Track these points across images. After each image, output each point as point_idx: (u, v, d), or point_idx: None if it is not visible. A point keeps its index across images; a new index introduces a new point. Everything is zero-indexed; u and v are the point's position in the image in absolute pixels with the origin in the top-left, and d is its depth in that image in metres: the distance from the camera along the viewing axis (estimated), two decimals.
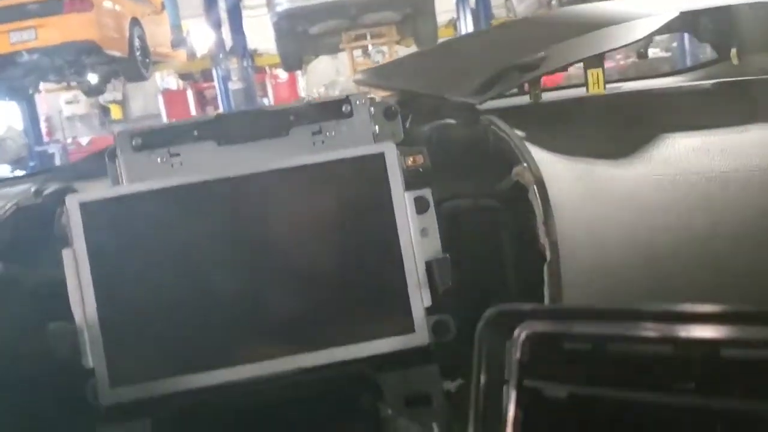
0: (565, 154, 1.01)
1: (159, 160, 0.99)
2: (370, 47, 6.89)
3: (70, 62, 6.56)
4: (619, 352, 0.50)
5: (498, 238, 1.04)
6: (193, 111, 9.38)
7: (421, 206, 0.94)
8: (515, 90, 1.55)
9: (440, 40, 5.85)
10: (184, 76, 10.14)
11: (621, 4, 1.31)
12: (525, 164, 0.95)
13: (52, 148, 8.01)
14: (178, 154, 1.00)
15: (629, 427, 0.50)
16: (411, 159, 0.97)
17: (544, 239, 0.87)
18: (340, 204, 0.95)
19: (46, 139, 8.63)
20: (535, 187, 0.91)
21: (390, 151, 0.94)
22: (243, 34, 6.83)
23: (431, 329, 0.92)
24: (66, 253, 0.91)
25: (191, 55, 9.03)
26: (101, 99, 9.36)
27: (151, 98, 9.78)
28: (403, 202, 0.93)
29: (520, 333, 0.53)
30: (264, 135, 1.01)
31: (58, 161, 7.86)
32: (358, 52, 7.06)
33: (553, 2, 6.25)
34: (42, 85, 7.76)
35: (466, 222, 1.04)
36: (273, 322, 0.92)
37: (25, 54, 6.17)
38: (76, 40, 6.15)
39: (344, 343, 0.91)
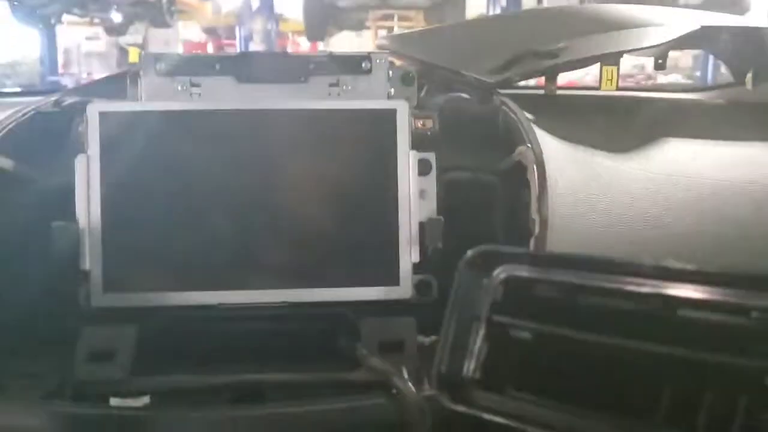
0: (569, 141, 1.05)
1: (179, 87, 1.02)
2: (395, 29, 6.87)
3: None
4: (590, 302, 0.53)
5: (492, 212, 1.08)
6: None
7: (423, 168, 0.98)
8: (531, 83, 1.57)
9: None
10: (206, 30, 10.09)
11: (648, 10, 1.33)
12: (529, 144, 0.99)
13: (65, 80, 7.98)
14: (198, 85, 1.03)
15: (588, 367, 0.54)
16: (421, 122, 1.00)
17: (535, 215, 0.91)
18: (346, 153, 0.98)
19: (61, 71, 8.62)
20: (534, 166, 0.95)
21: (402, 109, 0.97)
22: None
23: (415, 286, 0.95)
24: (79, 159, 0.94)
25: (217, 10, 8.98)
26: (121, 40, 9.31)
27: (171, 47, 9.71)
28: (407, 160, 0.97)
29: (498, 275, 0.57)
30: (283, 78, 1.04)
31: None
32: (382, 33, 7.04)
33: (585, 2, 6.24)
34: (65, 18, 7.73)
35: (463, 194, 1.08)
36: (266, 254, 0.96)
37: None
38: None
39: (330, 285, 0.95)
